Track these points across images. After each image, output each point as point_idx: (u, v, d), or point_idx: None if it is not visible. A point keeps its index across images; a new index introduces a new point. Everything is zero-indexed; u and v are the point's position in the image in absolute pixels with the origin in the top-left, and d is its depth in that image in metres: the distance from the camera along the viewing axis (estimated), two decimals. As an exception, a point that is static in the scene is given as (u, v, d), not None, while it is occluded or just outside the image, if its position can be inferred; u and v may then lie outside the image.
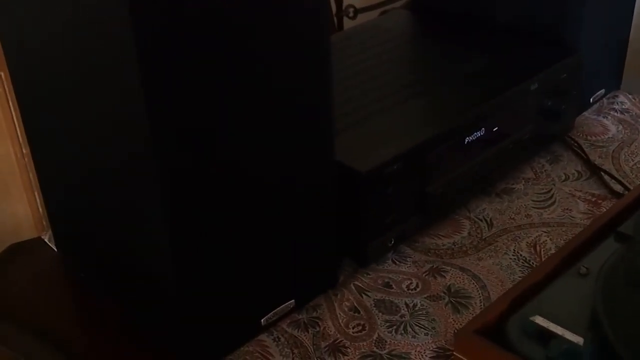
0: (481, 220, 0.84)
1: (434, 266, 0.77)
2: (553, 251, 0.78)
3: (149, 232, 0.62)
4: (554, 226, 0.82)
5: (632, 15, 1.08)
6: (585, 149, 0.95)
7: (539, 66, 0.89)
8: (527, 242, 0.80)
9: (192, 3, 0.52)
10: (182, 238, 0.59)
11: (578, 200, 0.86)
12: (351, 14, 1.72)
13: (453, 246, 0.80)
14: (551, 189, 0.88)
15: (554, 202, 0.86)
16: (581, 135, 0.99)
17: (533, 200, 0.87)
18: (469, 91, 0.85)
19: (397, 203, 0.75)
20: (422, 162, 0.76)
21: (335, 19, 1.71)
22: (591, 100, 1.06)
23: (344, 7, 1.71)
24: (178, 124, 0.55)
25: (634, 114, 1.04)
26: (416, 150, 0.75)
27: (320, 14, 0.62)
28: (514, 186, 0.89)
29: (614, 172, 0.91)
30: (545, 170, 0.92)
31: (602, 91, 1.08)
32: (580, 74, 0.94)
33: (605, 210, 0.84)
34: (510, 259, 0.77)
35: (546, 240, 0.80)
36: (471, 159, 0.83)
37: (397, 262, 0.78)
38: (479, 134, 0.82)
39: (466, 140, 0.81)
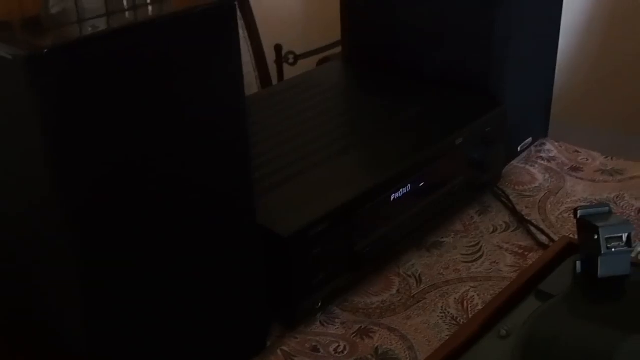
0: (410, 277, 0.84)
1: (363, 327, 0.76)
2: (480, 307, 0.78)
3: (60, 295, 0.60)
4: (481, 280, 0.82)
5: (555, 65, 1.12)
6: (512, 200, 0.96)
7: (464, 120, 0.90)
8: (455, 298, 0.80)
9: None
10: (96, 305, 0.57)
11: (505, 253, 0.87)
12: (291, 61, 1.74)
13: (382, 305, 0.79)
14: (479, 242, 0.89)
15: (482, 255, 0.87)
16: (509, 185, 1.01)
17: (462, 254, 0.87)
18: (396, 146, 0.86)
19: (324, 264, 0.75)
20: (349, 220, 0.76)
21: (275, 65, 1.72)
22: (519, 149, 1.08)
23: (284, 54, 1.73)
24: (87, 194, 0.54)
25: (560, 161, 1.06)
26: (342, 209, 0.75)
27: (237, 80, 0.62)
28: (443, 240, 0.90)
29: (540, 223, 0.92)
30: (474, 222, 0.93)
31: (530, 140, 1.10)
32: (505, 125, 0.96)
33: (531, 262, 0.84)
34: (438, 316, 0.77)
35: (474, 296, 0.80)
36: (399, 214, 0.83)
37: (326, 324, 0.77)
38: (405, 190, 0.82)
39: (392, 197, 0.81)
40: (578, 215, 0.67)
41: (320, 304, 0.76)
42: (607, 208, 0.67)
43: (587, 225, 0.66)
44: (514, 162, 1.06)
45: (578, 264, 0.66)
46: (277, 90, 1.07)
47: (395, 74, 1.04)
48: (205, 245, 0.63)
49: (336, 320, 0.78)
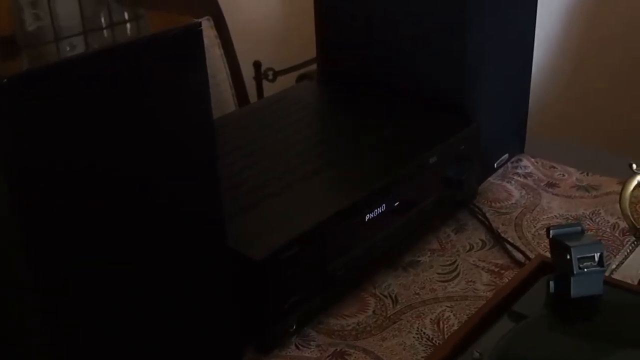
0: (386, 297, 0.83)
1: (338, 349, 0.76)
2: (456, 327, 0.77)
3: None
4: (457, 300, 0.82)
5: (530, 80, 1.12)
6: (488, 217, 0.96)
7: (438, 138, 0.90)
8: (431, 319, 0.79)
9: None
10: (58, 324, 0.56)
11: (481, 271, 0.87)
12: (270, 77, 1.73)
13: (357, 326, 0.79)
14: (456, 260, 0.89)
15: (458, 274, 0.86)
16: (486, 201, 1.00)
17: (438, 273, 0.87)
18: (369, 166, 0.86)
19: (297, 286, 0.74)
20: (322, 242, 0.75)
21: (254, 82, 1.72)
22: (495, 165, 1.08)
23: (263, 71, 1.73)
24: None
25: (536, 177, 1.06)
26: (315, 230, 0.74)
27: (205, 99, 0.61)
28: (419, 258, 0.89)
29: (517, 240, 0.92)
30: (450, 241, 0.93)
31: (506, 156, 1.10)
32: (479, 143, 0.96)
33: (507, 280, 0.84)
34: (414, 337, 0.77)
35: (450, 316, 0.79)
36: (374, 234, 0.83)
37: (301, 347, 0.76)
38: (379, 210, 0.82)
39: (367, 218, 0.81)
40: (550, 235, 0.67)
41: (294, 326, 0.75)
42: (579, 227, 0.67)
43: (559, 244, 0.66)
44: (491, 179, 1.06)
45: (551, 284, 0.66)
46: (251, 110, 1.07)
47: (370, 93, 1.04)
48: (172, 268, 0.62)
49: (311, 342, 0.77)
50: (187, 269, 0.63)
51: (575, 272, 0.63)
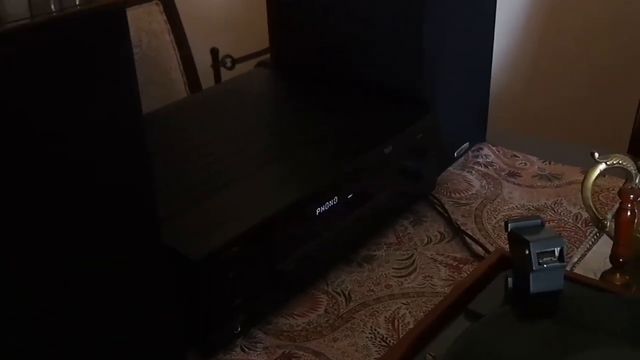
0: (339, 294, 0.79)
1: (286, 351, 0.71)
2: (411, 325, 0.73)
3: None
4: (413, 297, 0.78)
5: (491, 67, 1.08)
6: (447, 208, 0.92)
7: (393, 128, 0.86)
8: (386, 317, 0.75)
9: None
10: None
11: (439, 266, 0.83)
12: (229, 64, 1.68)
13: (308, 326, 0.74)
14: (413, 254, 0.85)
15: (415, 269, 0.82)
16: (445, 192, 0.97)
17: (394, 268, 0.82)
18: (321, 157, 0.81)
19: (242, 287, 0.69)
20: (269, 239, 0.71)
21: (212, 70, 1.66)
22: (455, 154, 1.04)
23: (220, 58, 1.67)
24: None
25: (497, 167, 1.03)
26: (261, 227, 0.69)
27: (132, 85, 0.56)
28: (375, 253, 0.85)
29: (477, 233, 0.88)
30: (408, 234, 0.89)
31: (467, 144, 1.06)
32: (437, 132, 0.92)
33: (466, 275, 0.80)
34: (367, 337, 0.72)
35: (405, 314, 0.75)
36: (327, 229, 0.78)
37: (247, 350, 0.72)
38: (331, 203, 0.77)
39: (318, 211, 0.76)
40: (509, 229, 0.63)
41: (239, 328, 0.70)
42: (538, 221, 0.63)
43: (518, 239, 0.62)
44: (451, 168, 1.02)
45: (509, 280, 0.62)
46: (198, 99, 1.01)
47: (324, 81, 0.99)
48: (100, 263, 0.57)
49: (258, 345, 0.72)
50: (116, 266, 0.58)
51: (534, 268, 0.59)
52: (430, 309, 0.75)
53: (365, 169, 0.81)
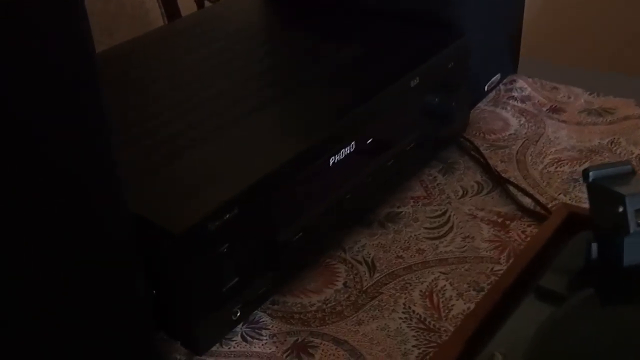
0: (360, 263, 0.64)
1: (299, 340, 0.57)
2: (454, 300, 0.59)
3: None
4: (453, 264, 0.63)
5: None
6: (483, 153, 0.77)
7: (419, 57, 0.70)
8: (421, 291, 0.60)
9: None
10: None
11: (481, 224, 0.68)
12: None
13: (324, 306, 0.60)
14: (446, 210, 0.70)
15: (451, 228, 0.67)
16: (478, 133, 0.81)
17: (425, 228, 0.67)
18: (331, 95, 0.65)
19: (237, 263, 0.54)
20: (269, 202, 0.55)
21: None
22: (486, 88, 0.88)
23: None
24: None
25: (536, 101, 0.87)
26: (257, 188, 0.54)
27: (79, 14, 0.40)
28: (400, 210, 0.70)
29: (521, 181, 0.73)
30: (438, 185, 0.73)
31: (498, 76, 0.90)
32: (468, 60, 0.76)
33: (514, 234, 0.65)
34: (400, 318, 0.58)
35: (445, 286, 0.61)
36: (341, 184, 0.63)
37: (249, 338, 0.57)
38: (348, 150, 0.62)
39: (331, 162, 0.60)
40: (590, 178, 0.48)
41: (239, 313, 0.56)
42: (628, 167, 0.48)
43: (604, 192, 0.46)
44: (481, 105, 0.86)
45: (593, 247, 0.47)
46: (174, 29, 0.84)
47: (328, 4, 0.83)
48: (45, 237, 0.42)
49: (264, 332, 0.58)
50: (68, 242, 0.43)
51: (631, 231, 0.44)
52: (475, 279, 0.60)
53: (388, 107, 0.65)
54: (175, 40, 0.78)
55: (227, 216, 0.51)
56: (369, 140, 0.64)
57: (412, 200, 0.71)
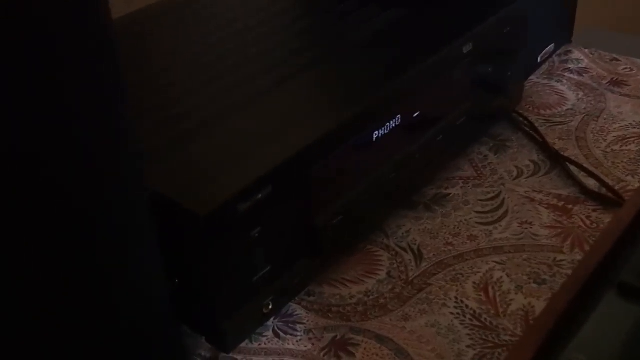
0: (405, 250, 0.57)
1: (338, 336, 0.50)
2: (513, 294, 0.52)
3: None
4: (510, 252, 0.56)
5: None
6: (539, 129, 0.69)
7: (472, 20, 0.62)
8: (475, 283, 0.54)
9: None
10: None
11: (539, 207, 0.60)
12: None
13: (366, 298, 0.53)
14: (500, 192, 0.63)
15: (506, 212, 0.60)
16: (532, 108, 0.74)
17: (477, 212, 0.61)
18: (374, 62, 0.58)
19: (269, 250, 0.48)
20: (306, 180, 0.49)
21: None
22: (539, 59, 0.80)
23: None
24: None
25: (595, 74, 0.79)
26: (294, 164, 0.47)
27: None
28: (448, 191, 0.63)
29: (583, 160, 0.65)
30: (489, 164, 0.66)
31: (552, 46, 0.82)
32: (525, 25, 0.68)
33: (578, 220, 0.58)
34: (452, 314, 0.51)
35: (502, 278, 0.54)
36: (385, 161, 0.56)
37: (282, 334, 0.51)
38: (393, 123, 0.55)
39: (375, 136, 0.54)
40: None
41: (271, 306, 0.50)
42: None
43: None
44: (534, 78, 0.79)
45: (690, 236, 0.40)
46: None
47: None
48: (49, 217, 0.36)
49: (298, 327, 0.51)
50: (76, 225, 0.37)
51: None
52: (535, 270, 0.53)
53: (437, 76, 0.58)
54: (196, 5, 0.71)
55: (259, 196, 0.44)
56: (416, 113, 0.58)
57: (461, 181, 0.64)
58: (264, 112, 0.52)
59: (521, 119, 0.71)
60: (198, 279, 0.45)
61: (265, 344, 0.50)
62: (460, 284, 0.53)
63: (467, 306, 0.51)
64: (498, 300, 0.52)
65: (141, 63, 0.61)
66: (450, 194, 0.63)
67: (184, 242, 0.44)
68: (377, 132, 0.54)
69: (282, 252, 0.49)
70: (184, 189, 0.44)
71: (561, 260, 0.55)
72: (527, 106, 0.74)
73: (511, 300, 0.52)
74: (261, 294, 0.48)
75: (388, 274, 0.55)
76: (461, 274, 0.54)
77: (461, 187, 0.64)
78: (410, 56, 0.58)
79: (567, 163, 0.65)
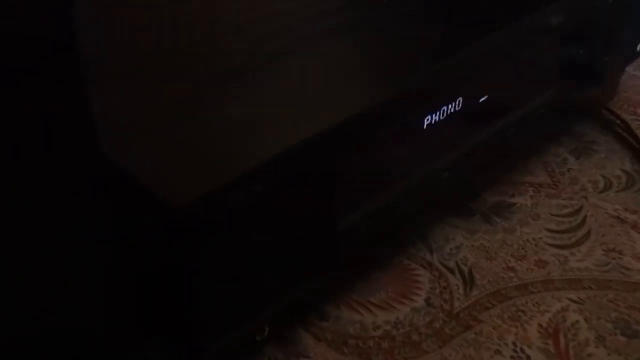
0: (452, 271, 0.45)
1: (352, 380, 0.38)
2: (592, 349, 0.39)
3: None
4: (590, 288, 0.43)
5: None
6: (635, 131, 0.56)
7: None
8: (541, 325, 0.41)
9: None
10: None
11: (632, 232, 0.47)
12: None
13: (394, 330, 0.41)
14: (581, 207, 0.49)
15: (588, 233, 0.47)
16: (626, 106, 0.60)
17: (549, 230, 0.47)
18: (434, 28, 0.45)
19: (270, 257, 0.36)
20: (328, 170, 0.37)
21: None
22: (638, 48, 0.66)
23: None
24: None
25: None
26: (312, 148, 0.35)
27: None
28: (514, 200, 0.50)
29: (691, 176, 0.52)
30: (569, 170, 0.53)
31: (654, 35, 0.68)
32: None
33: (686, 255, 0.45)
34: (507, 366, 0.39)
35: (578, 322, 0.41)
36: (437, 156, 0.44)
37: (280, 368, 0.39)
38: (451, 108, 0.42)
39: (426, 122, 0.41)
40: None
41: (266, 331, 0.38)
42: None
43: None
44: (630, 69, 0.65)
45: None
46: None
47: None
48: None
49: (302, 360, 0.39)
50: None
51: None
52: (624, 316, 0.40)
53: (513, 52, 0.45)
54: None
55: (260, 187, 0.32)
56: (482, 98, 0.45)
57: (531, 189, 0.51)
58: (283, 75, 0.40)
59: (613, 117, 0.57)
60: (172, 292, 0.33)
61: (256, 379, 0.38)
62: (522, 326, 0.40)
63: (528, 357, 0.39)
64: (571, 353, 0.39)
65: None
66: (516, 203, 0.50)
67: (156, 242, 0.33)
68: (429, 117, 0.41)
69: (289, 260, 0.37)
70: (162, 171, 0.32)
71: (659, 306, 0.41)
72: (621, 103, 0.60)
73: (589, 355, 0.38)
74: (255, 314, 0.36)
75: (427, 300, 0.42)
76: (523, 312, 0.41)
77: (531, 196, 0.50)
78: (481, 24, 0.44)
79: (671, 178, 0.51)
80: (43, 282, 0.29)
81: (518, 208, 0.49)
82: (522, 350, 0.39)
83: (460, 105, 0.43)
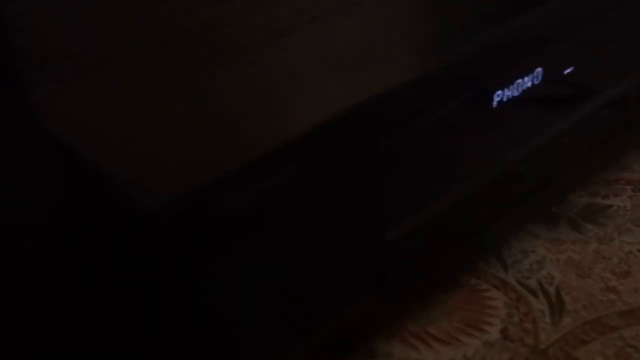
0: (534, 293, 0.35)
1: None
2: None
3: None
4: None
5: None
6: None
7: None
8: (658, 365, 0.31)
9: None
10: None
11: None
12: None
13: (462, 372, 0.32)
14: (697, 210, 0.39)
15: None
16: None
17: (658, 239, 0.37)
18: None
19: (287, 275, 0.27)
20: (368, 163, 0.28)
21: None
22: None
23: None
24: None
25: None
26: (345, 132, 0.26)
27: None
28: (609, 201, 0.41)
29: None
30: (676, 165, 0.43)
31: None
32: None
33: None
34: (617, 422, 0.29)
35: None
36: (508, 145, 0.34)
37: (312, 423, 0.30)
38: (528, 82, 0.33)
39: (496, 100, 0.32)
40: None
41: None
42: None
43: None
44: None
45: None
46: None
47: None
48: None
49: (341, 411, 0.30)
50: None
51: None
52: None
53: (610, 12, 0.36)
54: None
55: (272, 182, 0.24)
56: (568, 70, 0.35)
57: (629, 188, 0.41)
58: (314, 39, 0.31)
59: None
60: (150, 316, 0.25)
61: None
62: (631, 365, 0.31)
63: (645, 410, 0.29)
64: None
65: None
66: (612, 205, 0.40)
67: (131, 250, 0.24)
68: (499, 93, 0.32)
69: (319, 282, 0.28)
70: (145, 162, 0.24)
71: None
72: None
73: None
74: (271, 350, 0.28)
75: (503, 332, 0.33)
76: (634, 347, 0.31)
77: (630, 197, 0.41)
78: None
79: None
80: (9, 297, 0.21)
81: (614, 211, 0.40)
82: (636, 399, 0.29)
83: (540, 78, 0.33)
